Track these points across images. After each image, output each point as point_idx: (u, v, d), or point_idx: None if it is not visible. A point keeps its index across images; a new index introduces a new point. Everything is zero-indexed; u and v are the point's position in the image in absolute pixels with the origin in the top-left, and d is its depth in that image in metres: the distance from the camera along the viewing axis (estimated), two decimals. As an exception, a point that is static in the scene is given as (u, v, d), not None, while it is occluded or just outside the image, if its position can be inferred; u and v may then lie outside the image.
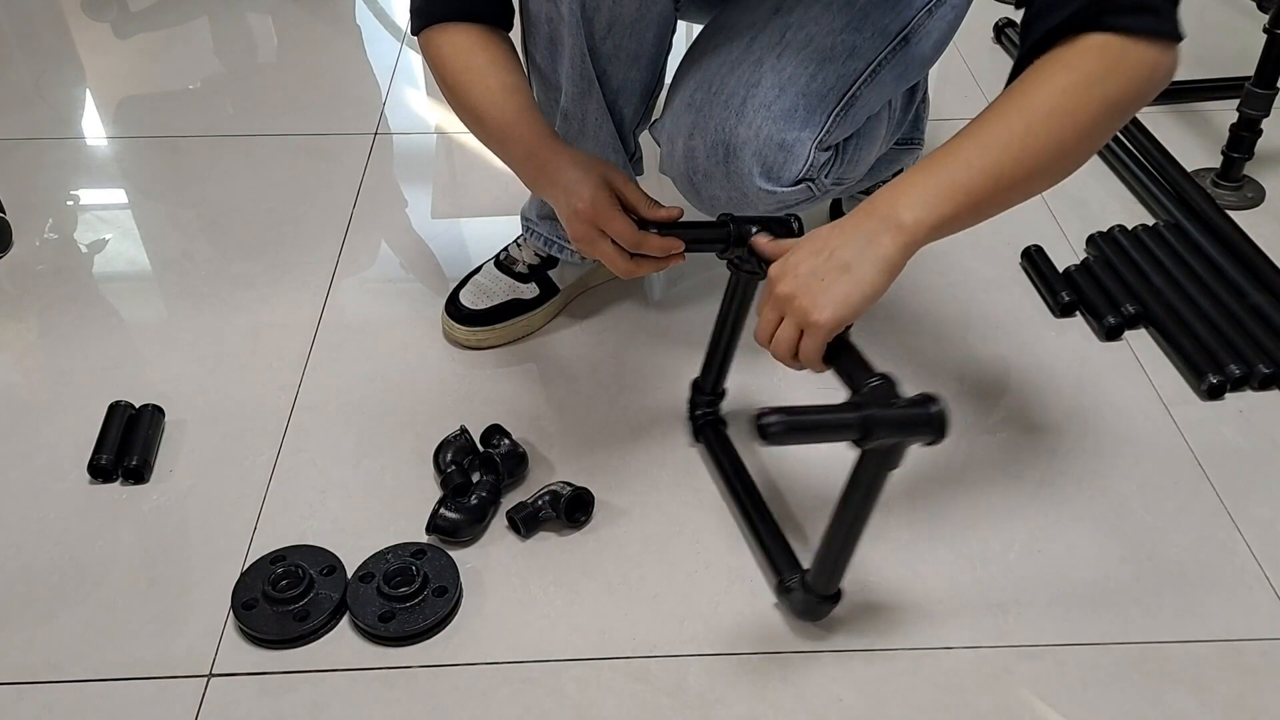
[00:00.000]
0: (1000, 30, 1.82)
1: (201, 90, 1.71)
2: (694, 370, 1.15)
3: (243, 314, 1.23)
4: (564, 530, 0.98)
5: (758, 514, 0.96)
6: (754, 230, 0.90)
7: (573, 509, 0.97)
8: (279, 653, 0.88)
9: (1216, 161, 1.44)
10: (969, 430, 1.07)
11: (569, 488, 0.98)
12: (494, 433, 1.04)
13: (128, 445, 1.04)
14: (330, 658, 0.88)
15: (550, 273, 1.21)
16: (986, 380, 1.15)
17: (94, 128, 1.63)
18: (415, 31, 1.00)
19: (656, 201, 0.94)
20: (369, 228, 1.38)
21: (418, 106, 1.65)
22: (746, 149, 0.96)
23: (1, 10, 1.95)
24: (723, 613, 0.91)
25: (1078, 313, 1.24)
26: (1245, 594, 0.93)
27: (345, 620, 0.90)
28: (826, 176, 1.01)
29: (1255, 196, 1.43)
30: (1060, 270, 1.28)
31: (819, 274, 0.78)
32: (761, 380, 1.14)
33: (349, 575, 0.92)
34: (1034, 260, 1.29)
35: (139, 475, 1.02)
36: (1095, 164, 1.51)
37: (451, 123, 1.60)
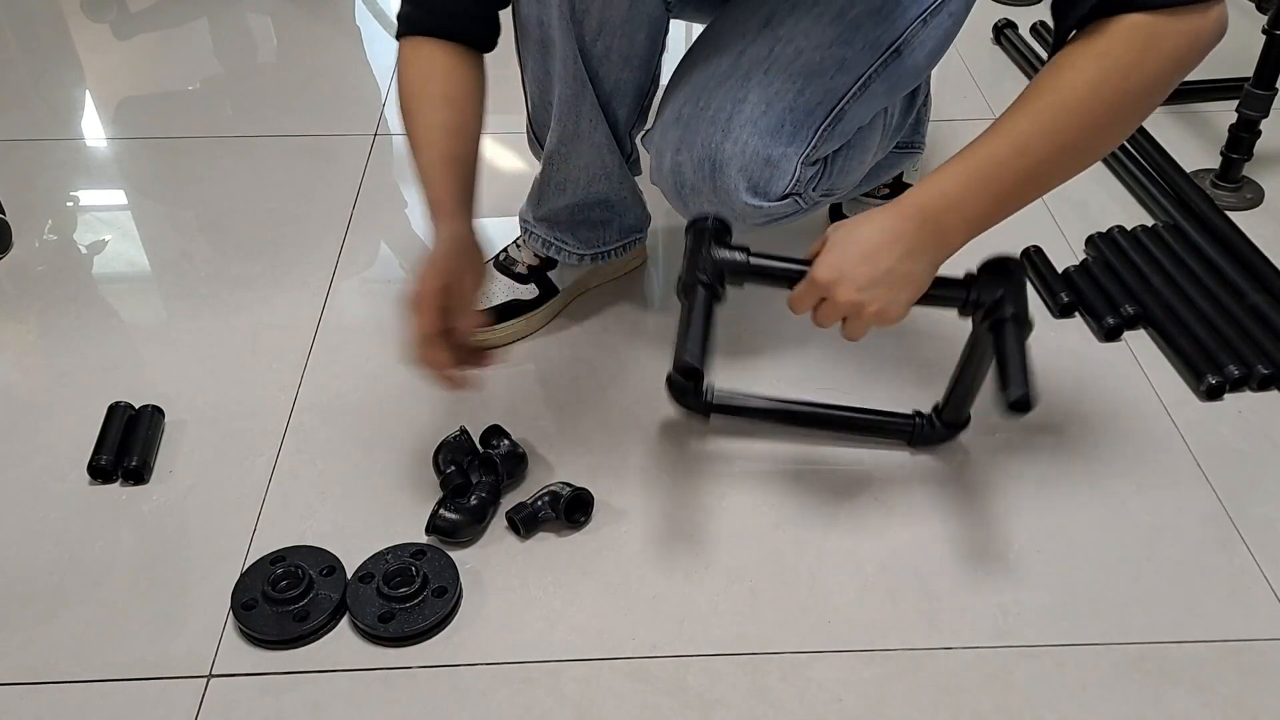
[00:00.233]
0: (1000, 31, 1.82)
1: (201, 91, 1.71)
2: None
3: (242, 315, 1.23)
4: (563, 531, 0.98)
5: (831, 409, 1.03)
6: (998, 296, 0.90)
7: (572, 509, 0.98)
8: (279, 653, 0.88)
9: (1215, 162, 1.44)
10: (968, 431, 1.07)
11: (568, 488, 0.98)
12: (493, 433, 1.04)
13: (127, 446, 1.04)
14: (330, 658, 0.88)
15: (550, 274, 1.21)
16: (985, 381, 1.14)
17: (93, 128, 1.63)
18: (398, 37, 1.01)
19: (476, 314, 0.95)
20: (369, 228, 1.38)
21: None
22: (732, 165, 0.96)
23: (1, 11, 1.95)
24: (722, 613, 0.91)
25: (1077, 313, 1.24)
26: (1244, 594, 0.93)
27: (345, 621, 0.90)
28: (814, 189, 1.02)
29: (1254, 197, 1.43)
30: (1059, 271, 1.28)
31: (882, 283, 0.83)
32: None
33: (349, 576, 0.92)
34: (1033, 261, 1.29)
35: (138, 476, 1.02)
36: (1094, 165, 1.51)
37: (451, 123, 1.60)
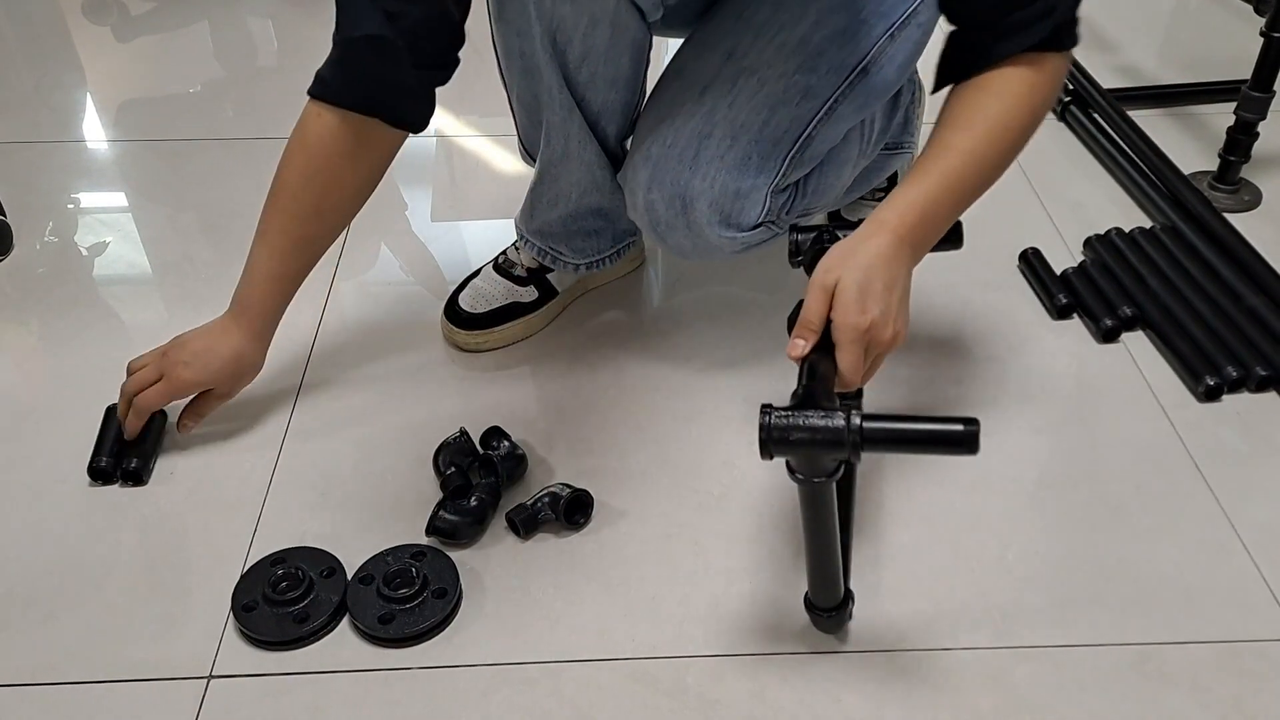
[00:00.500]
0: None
1: (202, 94, 1.72)
2: (693, 370, 1.16)
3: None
4: (563, 532, 0.98)
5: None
6: (813, 235, 0.88)
7: (572, 511, 0.98)
8: (279, 654, 0.88)
9: (1213, 164, 1.45)
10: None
11: (568, 489, 0.98)
12: (493, 435, 1.04)
13: (126, 448, 1.04)
14: (330, 659, 0.88)
15: (549, 276, 1.21)
16: (984, 383, 1.15)
17: (94, 131, 1.63)
18: (310, 93, 0.98)
19: (188, 425, 1.04)
20: (368, 231, 1.38)
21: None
22: (702, 200, 0.97)
23: (2, 13, 1.96)
24: (722, 614, 0.91)
25: (1075, 315, 1.24)
26: (1243, 596, 0.93)
27: (345, 622, 0.90)
28: (787, 214, 1.03)
29: (1252, 199, 1.43)
30: (1057, 273, 1.28)
31: (902, 306, 0.81)
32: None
33: (349, 577, 0.93)
34: (1031, 263, 1.30)
35: (137, 477, 1.02)
36: (1092, 166, 1.51)
37: (451, 126, 1.61)
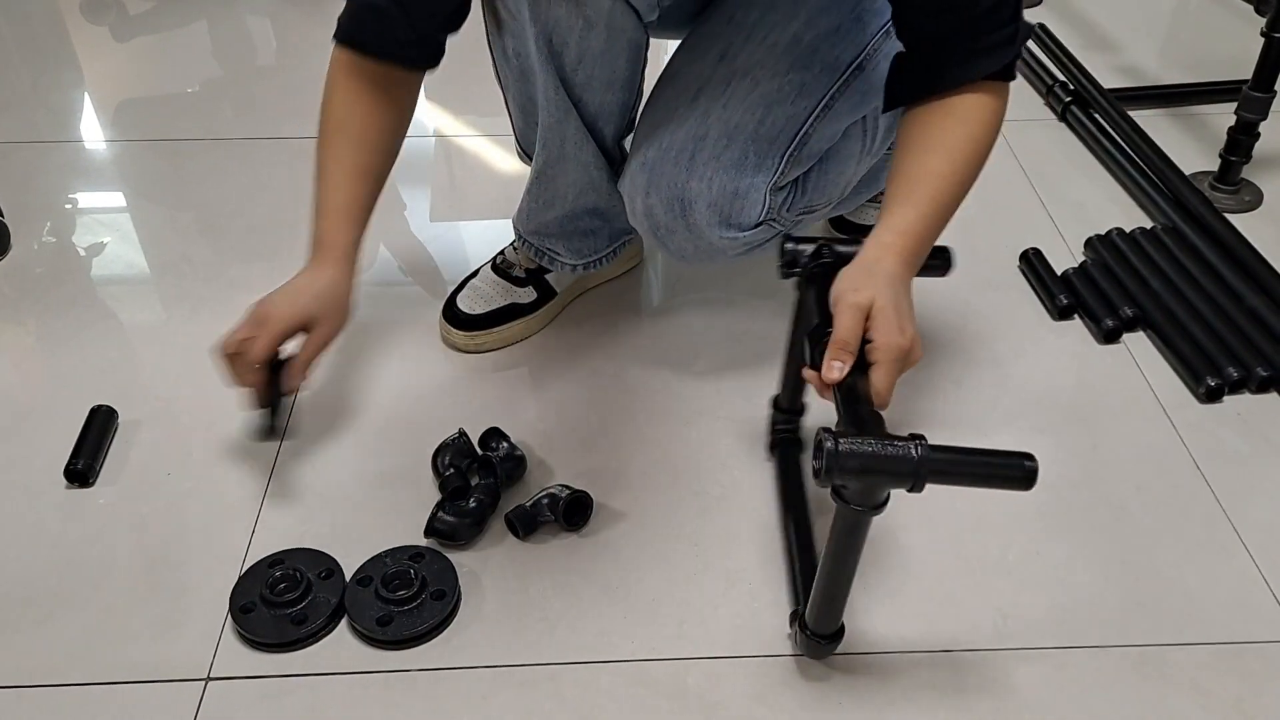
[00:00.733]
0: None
1: (200, 93, 1.71)
2: (692, 372, 1.16)
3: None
4: (562, 533, 0.98)
5: (800, 542, 0.94)
6: (812, 249, 0.87)
7: (571, 512, 0.97)
8: (277, 656, 0.88)
9: (1214, 165, 1.44)
10: (967, 433, 1.07)
11: (567, 491, 0.98)
12: (492, 436, 1.04)
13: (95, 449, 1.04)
14: (328, 661, 0.87)
15: (548, 276, 1.21)
16: (984, 383, 1.15)
17: (92, 131, 1.63)
18: (334, 38, 0.99)
19: (304, 369, 0.99)
20: (367, 231, 1.38)
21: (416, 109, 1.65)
22: (700, 201, 0.97)
23: (0, 13, 1.95)
24: (722, 616, 0.91)
25: (1076, 316, 1.24)
26: (1244, 597, 0.93)
27: (343, 624, 0.90)
28: (788, 211, 1.03)
29: (1253, 200, 1.43)
30: (1058, 273, 1.28)
31: (908, 325, 0.80)
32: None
33: (347, 578, 0.92)
34: (1032, 263, 1.30)
35: (83, 478, 1.02)
36: (1093, 167, 1.51)
37: (449, 126, 1.60)
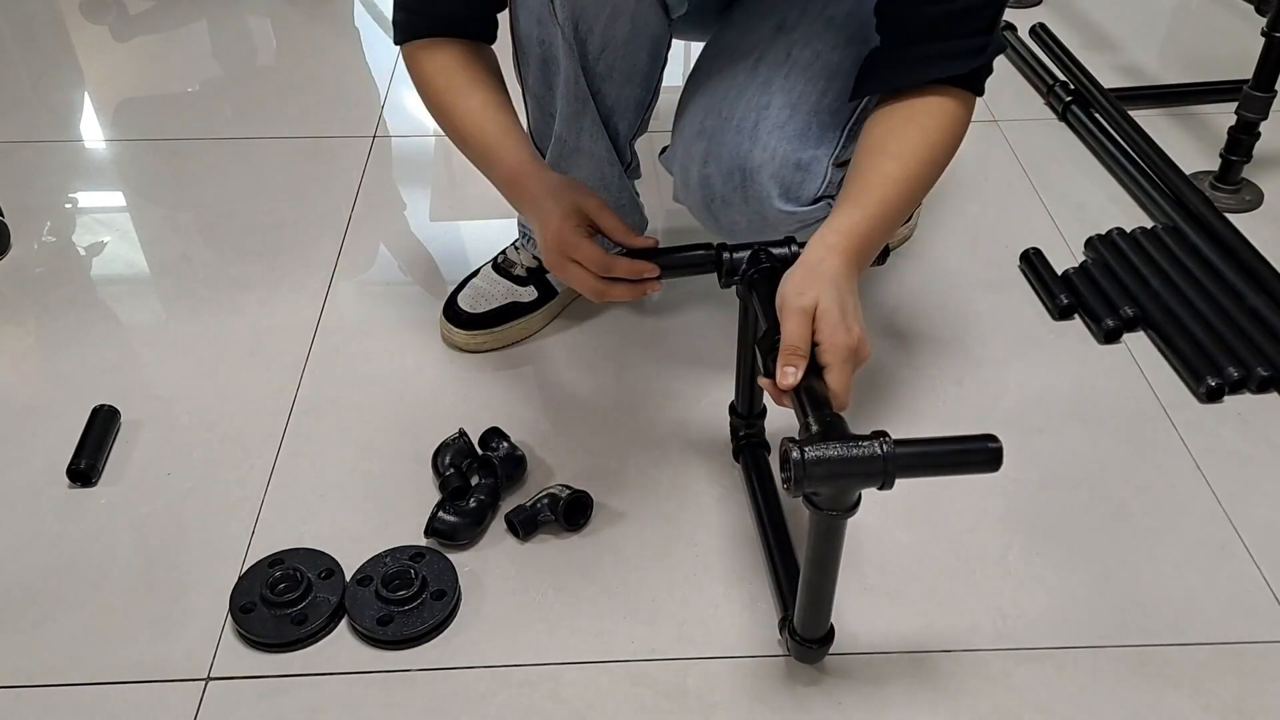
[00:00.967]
0: (998, 33, 1.82)
1: (200, 93, 1.71)
2: (692, 372, 1.16)
3: (241, 317, 1.23)
4: (563, 533, 0.98)
5: (779, 547, 0.94)
6: (748, 255, 0.87)
7: (571, 512, 0.97)
8: (277, 656, 0.88)
9: (1214, 164, 1.44)
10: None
11: (568, 491, 0.98)
12: (493, 435, 1.04)
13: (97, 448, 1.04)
14: (328, 661, 0.87)
15: (549, 275, 1.20)
16: (985, 383, 1.15)
17: (92, 130, 1.63)
18: (397, 44, 1.00)
19: (633, 231, 0.92)
20: (367, 230, 1.38)
21: (416, 109, 1.65)
22: (763, 172, 0.96)
23: (0, 13, 1.95)
24: (722, 615, 0.91)
25: (1076, 315, 1.24)
26: (1244, 597, 0.93)
27: (343, 624, 0.90)
28: None
29: (1253, 199, 1.43)
30: (1059, 273, 1.28)
31: (854, 324, 0.79)
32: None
33: (347, 578, 0.92)
34: (1032, 263, 1.29)
35: (85, 477, 1.02)
36: (1093, 167, 1.51)
37: (450, 125, 1.60)
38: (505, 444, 1.03)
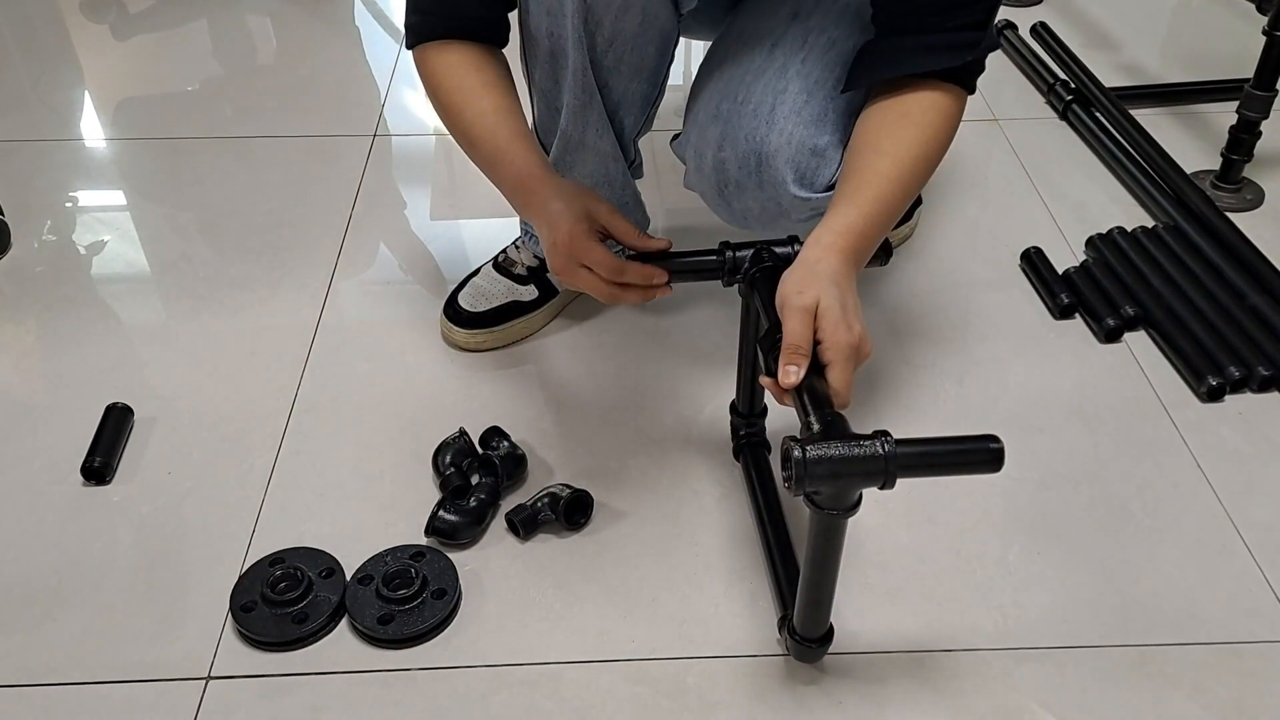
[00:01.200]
0: (999, 32, 1.82)
1: (200, 92, 1.71)
2: (693, 370, 1.16)
3: (241, 316, 1.23)
4: (563, 532, 0.98)
5: (779, 546, 0.94)
6: (750, 254, 0.88)
7: (572, 511, 0.97)
8: (277, 655, 0.88)
9: (1215, 163, 1.44)
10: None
11: (568, 490, 0.98)
12: (493, 434, 1.04)
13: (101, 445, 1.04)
14: (329, 660, 0.87)
15: (549, 275, 1.20)
16: (985, 382, 1.14)
17: (92, 129, 1.63)
18: (409, 47, 0.99)
19: (644, 233, 0.92)
20: (368, 230, 1.38)
21: (417, 108, 1.65)
22: (779, 156, 0.95)
23: (0, 12, 1.95)
24: (722, 615, 0.91)
25: (1077, 315, 1.24)
26: (1245, 596, 0.93)
27: (344, 623, 0.90)
28: None
29: (1254, 198, 1.43)
30: (1059, 272, 1.28)
31: (855, 322, 0.79)
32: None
33: (348, 577, 0.92)
34: (1033, 262, 1.29)
35: (100, 475, 1.02)
36: (1095, 165, 1.51)
37: (450, 124, 1.60)
38: (506, 443, 1.03)
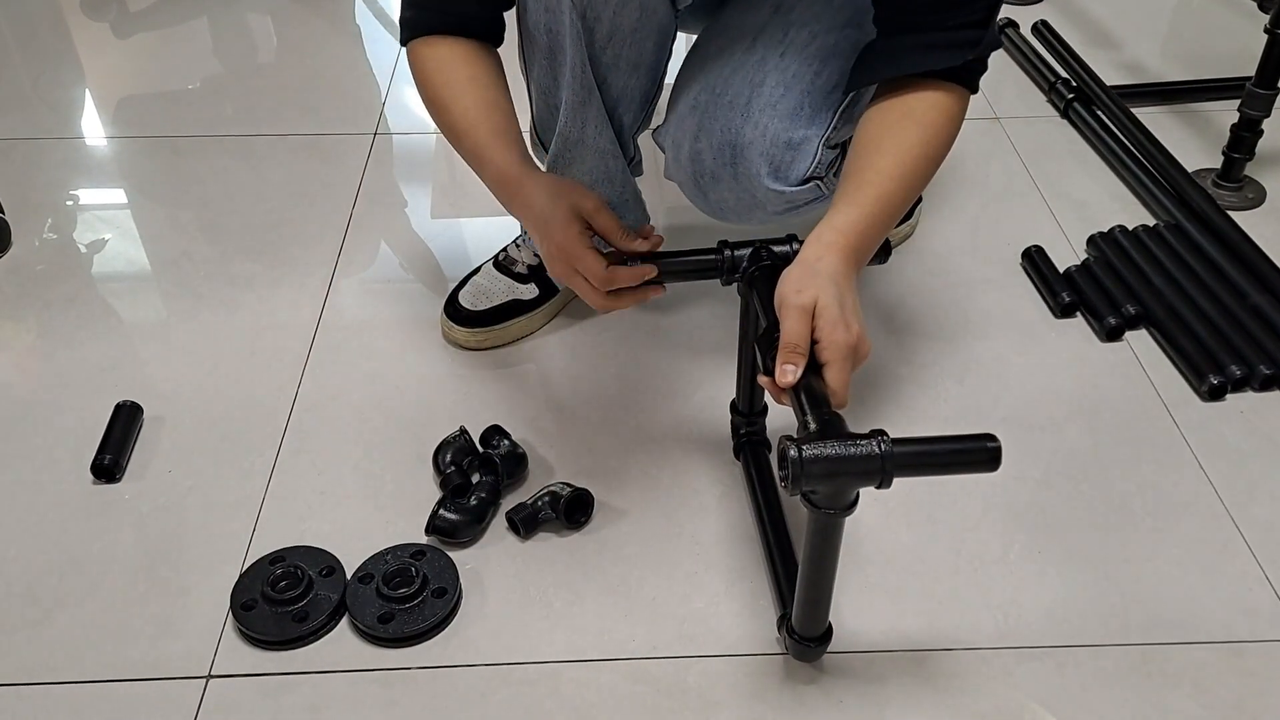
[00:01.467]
0: (1000, 30, 1.82)
1: (201, 90, 1.71)
2: (693, 369, 1.16)
3: (242, 314, 1.23)
4: (563, 531, 0.98)
5: (779, 545, 0.94)
6: (749, 253, 0.87)
7: (572, 510, 0.97)
8: (278, 654, 0.88)
9: (1217, 162, 1.44)
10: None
11: (568, 488, 0.98)
12: (493, 433, 1.04)
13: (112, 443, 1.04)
14: (329, 659, 0.87)
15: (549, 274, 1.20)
16: (986, 381, 1.14)
17: (93, 127, 1.63)
18: (403, 42, 1.00)
19: (630, 230, 0.92)
20: (368, 228, 1.38)
21: (417, 107, 1.65)
22: (753, 149, 0.96)
23: (0, 10, 1.95)
24: (722, 614, 0.91)
25: (1078, 313, 1.24)
26: (1246, 596, 0.93)
27: (344, 621, 0.90)
28: (834, 174, 1.01)
29: (1256, 197, 1.43)
30: (1061, 271, 1.28)
31: (863, 324, 0.79)
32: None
33: (348, 576, 0.92)
34: (1034, 261, 1.29)
35: (110, 473, 1.02)
36: (1096, 164, 1.51)
37: (451, 123, 1.60)
38: (506, 442, 1.03)
